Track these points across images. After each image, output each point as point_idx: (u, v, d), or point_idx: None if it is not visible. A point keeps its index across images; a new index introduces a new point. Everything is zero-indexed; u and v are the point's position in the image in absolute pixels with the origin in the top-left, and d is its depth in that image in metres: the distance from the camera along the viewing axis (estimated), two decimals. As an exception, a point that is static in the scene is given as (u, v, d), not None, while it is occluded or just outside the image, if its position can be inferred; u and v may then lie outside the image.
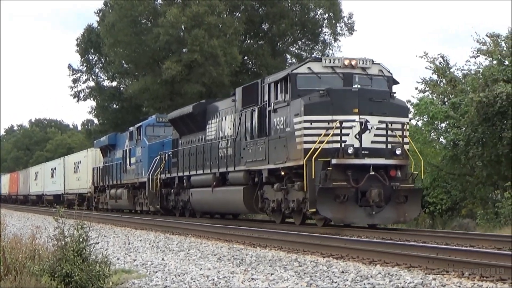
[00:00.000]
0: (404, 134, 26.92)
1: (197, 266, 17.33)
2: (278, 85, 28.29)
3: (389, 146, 26.20)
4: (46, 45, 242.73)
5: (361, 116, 25.67)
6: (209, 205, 36.91)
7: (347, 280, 13.83)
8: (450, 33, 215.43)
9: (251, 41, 72.10)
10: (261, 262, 17.50)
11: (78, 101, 79.26)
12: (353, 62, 27.14)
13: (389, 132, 26.25)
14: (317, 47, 71.12)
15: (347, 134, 25.65)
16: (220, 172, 34.20)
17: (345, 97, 26.23)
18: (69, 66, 78.25)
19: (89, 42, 76.42)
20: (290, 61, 69.98)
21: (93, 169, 59.94)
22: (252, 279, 14.56)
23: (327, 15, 69.99)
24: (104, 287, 11.37)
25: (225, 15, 65.35)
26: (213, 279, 14.79)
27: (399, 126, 26.65)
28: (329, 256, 18.04)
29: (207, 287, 13.85)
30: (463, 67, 42.80)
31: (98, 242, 15.53)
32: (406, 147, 26.81)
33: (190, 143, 39.32)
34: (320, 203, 25.08)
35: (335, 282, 13.61)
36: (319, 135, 25.61)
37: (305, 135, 25.97)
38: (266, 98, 29.49)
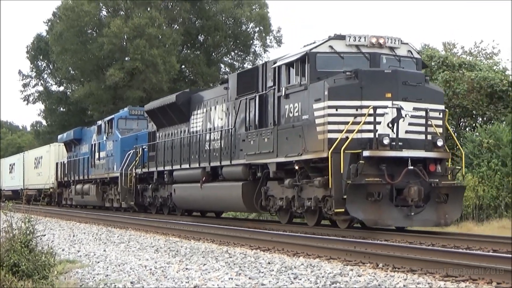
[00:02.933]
0: (444, 123, 22.04)
1: (136, 257, 17.24)
2: (292, 67, 22.82)
3: (427, 136, 21.07)
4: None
5: (394, 102, 20.50)
6: (197, 202, 30.97)
7: (273, 270, 13.85)
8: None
9: (188, 51, 72.18)
10: (194, 254, 17.46)
11: (27, 104, 78.68)
12: (381, 41, 21.91)
13: (427, 121, 21.07)
14: (249, 57, 71.50)
15: (379, 123, 20.29)
16: (212, 166, 28.70)
17: (377, 80, 20.81)
18: (19, 72, 77.67)
19: (38, 50, 75.92)
20: (223, 70, 70.22)
21: (57, 164, 54.62)
22: (186, 269, 14.53)
23: (257, 29, 70.44)
24: (49, 276, 11.26)
25: (164, 27, 65.52)
26: (151, 269, 14.72)
27: (436, 114, 21.48)
28: (257, 248, 18.08)
29: (145, 276, 13.79)
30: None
31: (45, 235, 15.42)
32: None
33: (170, 136, 33.58)
34: (350, 202, 19.80)
35: (262, 272, 13.61)
36: (346, 123, 20.43)
37: (330, 123, 20.61)
38: (270, 83, 24.39)
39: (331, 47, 21.78)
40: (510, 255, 14.59)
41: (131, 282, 12.96)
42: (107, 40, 62.24)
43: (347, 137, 20.14)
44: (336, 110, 20.62)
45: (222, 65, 72.55)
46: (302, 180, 22.47)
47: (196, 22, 71.03)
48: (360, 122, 20.33)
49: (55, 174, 54.35)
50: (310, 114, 21.44)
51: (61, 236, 24.89)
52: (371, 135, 20.29)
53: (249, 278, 12.91)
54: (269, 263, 14.99)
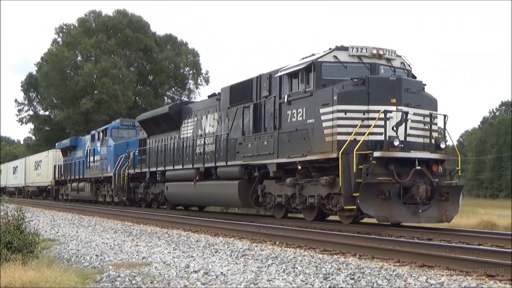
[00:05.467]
0: (445, 127, 18.05)
1: (100, 236, 17.05)
2: (295, 77, 18.51)
3: (426, 139, 17.00)
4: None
5: (398, 107, 16.37)
6: (189, 198, 26.18)
7: (200, 246, 13.83)
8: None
9: (141, 87, 72.21)
10: (143, 234, 17.33)
11: (21, 124, 77.68)
12: (380, 52, 17.88)
13: (424, 125, 16.96)
14: (185, 92, 71.82)
15: (383, 126, 16.12)
16: (206, 167, 23.97)
17: (383, 86, 16.59)
18: (16, 100, 76.75)
19: (30, 84, 75.14)
20: (167, 101, 70.09)
21: (55, 166, 49.13)
22: (137, 245, 14.42)
23: (191, 72, 71.19)
24: (35, 251, 11.05)
25: (123, 69, 66.04)
26: (111, 245, 14.59)
27: (433, 119, 17.18)
28: (189, 230, 18.01)
29: (106, 250, 13.63)
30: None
31: (32, 220, 15.13)
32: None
33: (161, 142, 28.76)
34: (362, 199, 15.56)
35: (192, 248, 13.58)
36: (355, 126, 16.20)
37: (339, 126, 16.40)
38: (264, 93, 20.26)
39: (335, 57, 17.73)
40: (366, 235, 14.78)
41: (96, 255, 12.82)
42: (81, 78, 63.02)
43: (355, 139, 16.06)
44: (345, 114, 16.46)
45: (165, 98, 72.46)
46: (303, 179, 18.30)
47: (147, 66, 71.32)
48: (367, 125, 16.27)
49: (53, 174, 49.70)
50: (316, 118, 17.17)
51: (44, 221, 24.44)
52: (378, 137, 16.19)
53: (183, 252, 12.87)
54: (197, 241, 14.96)
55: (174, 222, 20.49)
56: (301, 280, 9.12)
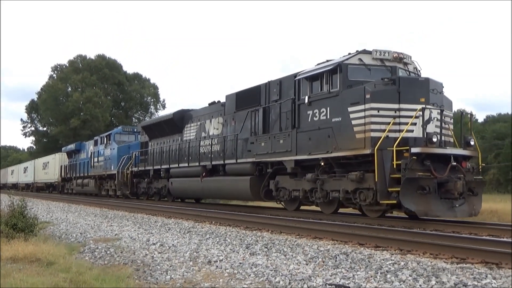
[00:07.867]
0: (471, 125, 14.51)
1: (84, 219, 16.59)
2: (316, 79, 14.27)
3: (447, 138, 12.86)
4: (9, 110, 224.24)
5: (427, 106, 12.36)
6: (195, 192, 21.23)
7: (157, 225, 13.63)
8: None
9: (115, 110, 71.38)
10: (116, 217, 16.95)
11: (25, 137, 76.20)
12: (401, 56, 13.97)
13: (444, 124, 12.74)
14: (147, 115, 71.40)
15: (415, 123, 12.24)
16: (213, 164, 19.37)
17: (412, 86, 12.63)
18: (21, 119, 75.14)
19: (32, 108, 73.43)
20: (135, 121, 69.23)
21: (61, 166, 44.04)
22: (111, 225, 14.12)
23: (152, 100, 71.26)
24: (34, 230, 10.67)
25: (102, 98, 65.56)
26: (91, 226, 14.24)
27: (448, 119, 13.06)
28: (149, 214, 17.74)
29: (88, 229, 13.29)
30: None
31: (32, 208, 14.63)
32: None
33: (164, 144, 23.91)
34: (403, 194, 11.50)
35: (151, 227, 13.38)
36: (387, 123, 12.24)
37: (372, 123, 12.33)
38: (274, 97, 16.15)
39: (360, 59, 13.75)
40: (276, 216, 14.83)
41: (80, 233, 12.51)
42: (70, 104, 62.91)
43: (388, 136, 12.19)
44: (378, 111, 12.42)
45: (134, 118, 71.78)
46: (323, 174, 14.11)
47: (120, 96, 70.98)
48: (398, 122, 12.37)
49: (59, 172, 44.36)
50: (344, 116, 13.08)
51: (42, 208, 23.63)
52: (408, 134, 12.25)
53: (144, 230, 12.67)
54: (155, 222, 14.75)
55: (139, 208, 20.11)
56: (230, 249, 9.12)
